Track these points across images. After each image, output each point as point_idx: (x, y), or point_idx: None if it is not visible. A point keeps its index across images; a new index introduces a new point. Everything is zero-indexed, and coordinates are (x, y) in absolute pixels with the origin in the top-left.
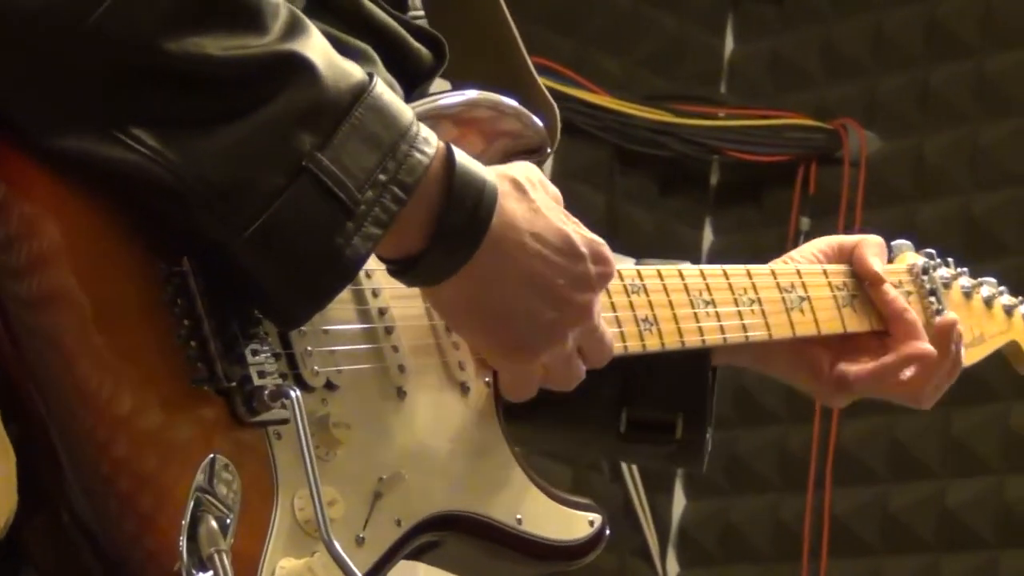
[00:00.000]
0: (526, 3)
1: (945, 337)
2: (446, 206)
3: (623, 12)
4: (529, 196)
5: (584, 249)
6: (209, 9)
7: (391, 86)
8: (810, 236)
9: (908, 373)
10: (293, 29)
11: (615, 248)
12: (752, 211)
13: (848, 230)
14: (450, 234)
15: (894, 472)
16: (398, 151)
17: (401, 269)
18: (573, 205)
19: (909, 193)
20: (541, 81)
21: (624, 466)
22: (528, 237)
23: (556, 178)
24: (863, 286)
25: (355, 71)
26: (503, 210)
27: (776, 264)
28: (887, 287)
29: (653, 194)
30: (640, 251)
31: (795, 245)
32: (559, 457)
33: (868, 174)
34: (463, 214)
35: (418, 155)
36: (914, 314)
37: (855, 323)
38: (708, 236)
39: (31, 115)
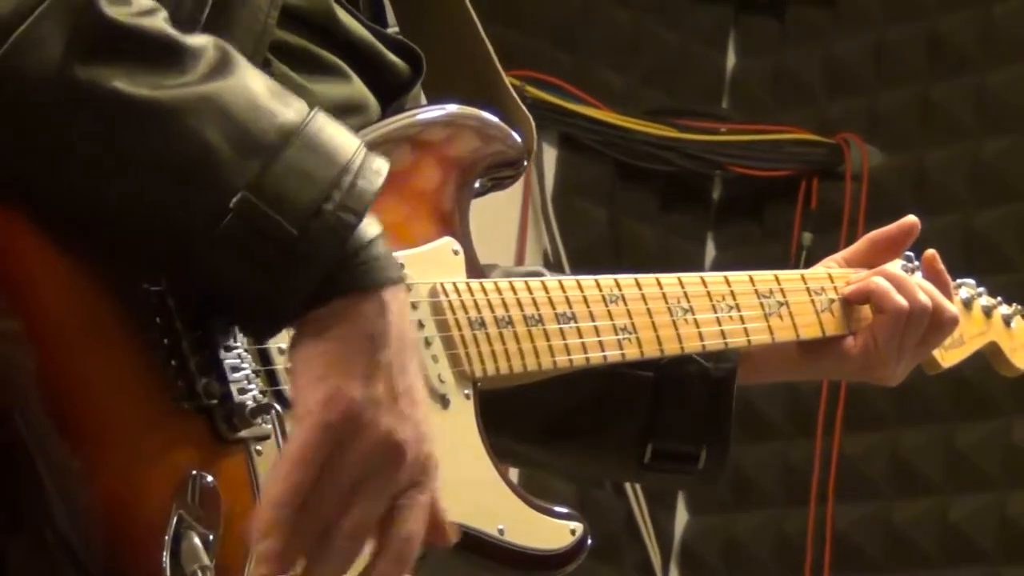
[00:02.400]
0: (528, 18)
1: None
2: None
3: (625, 27)
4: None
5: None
6: (120, 45)
7: (363, 104)
8: (812, 251)
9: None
10: (217, 70)
11: (617, 265)
12: (754, 226)
13: (850, 244)
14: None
15: (897, 487)
16: (341, 182)
17: None
18: (575, 220)
19: (910, 208)
20: (538, 93)
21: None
22: (410, 368)
23: (558, 193)
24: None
25: (286, 112)
26: (392, 311)
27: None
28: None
29: (655, 209)
30: (642, 266)
31: (797, 260)
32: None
33: (870, 189)
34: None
35: (363, 183)
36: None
37: (834, 326)
38: (710, 251)
39: None
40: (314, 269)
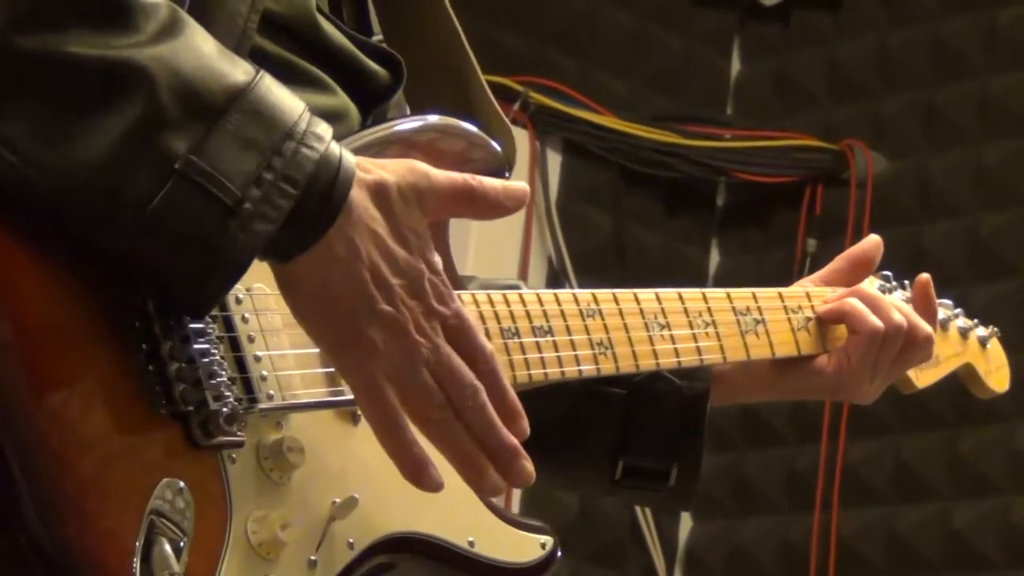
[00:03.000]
0: (531, 24)
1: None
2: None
3: (629, 33)
4: (390, 196)
5: (423, 264)
6: (70, 6)
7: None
8: (817, 257)
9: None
10: (167, 30)
11: (621, 271)
12: (758, 232)
13: None
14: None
15: (901, 493)
16: (283, 149)
17: None
18: (579, 226)
19: (915, 213)
20: (542, 99)
21: None
22: (378, 230)
23: (562, 199)
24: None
25: (233, 73)
26: (361, 199)
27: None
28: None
29: (659, 215)
30: (647, 272)
31: (802, 266)
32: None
33: (874, 195)
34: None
35: (306, 151)
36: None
37: (809, 345)
38: (715, 257)
39: None
40: (250, 238)
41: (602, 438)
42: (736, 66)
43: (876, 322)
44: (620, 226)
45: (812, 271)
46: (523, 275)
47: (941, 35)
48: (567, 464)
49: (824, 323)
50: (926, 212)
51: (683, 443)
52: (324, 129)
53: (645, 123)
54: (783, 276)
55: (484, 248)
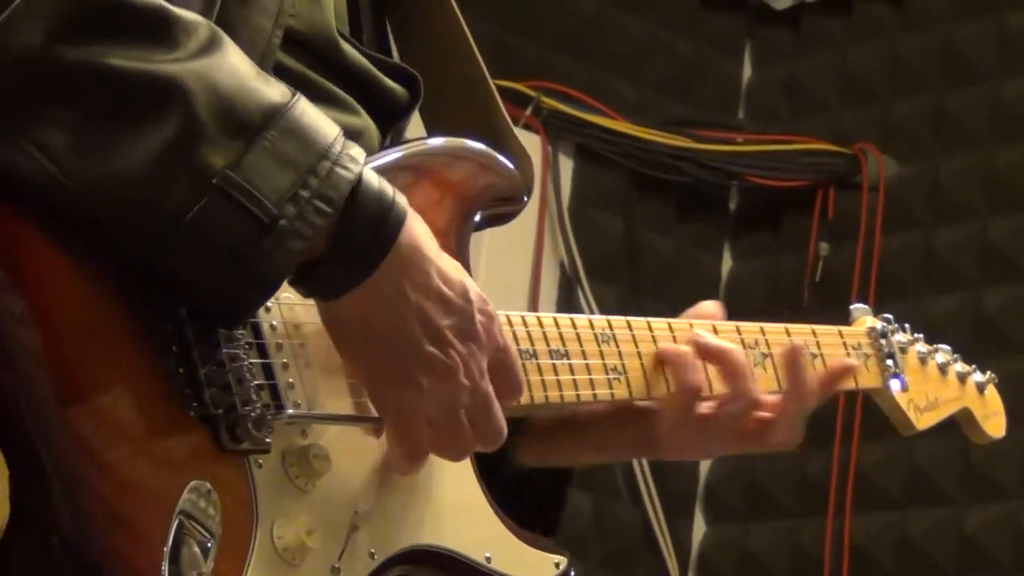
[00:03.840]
0: (542, 29)
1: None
2: (346, 216)
3: (640, 38)
4: (431, 235)
5: (474, 300)
6: (114, 20)
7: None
8: (829, 261)
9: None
10: (206, 48)
11: (634, 276)
12: (771, 236)
13: (867, 255)
14: (349, 246)
15: (913, 498)
16: (319, 168)
17: (299, 278)
18: (591, 231)
19: (927, 217)
20: (554, 104)
21: (644, 491)
22: (430, 269)
23: (574, 204)
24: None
25: (270, 93)
26: (412, 236)
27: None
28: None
29: (671, 219)
30: (659, 277)
31: (814, 270)
32: (580, 481)
33: (886, 199)
34: (364, 228)
35: (342, 171)
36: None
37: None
38: (727, 261)
39: None
40: (284, 254)
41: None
42: (747, 70)
43: (692, 380)
44: (632, 231)
45: (824, 275)
46: (535, 281)
47: (952, 39)
48: None
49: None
50: (937, 216)
51: (547, 515)
52: (357, 152)
53: (657, 127)
54: (795, 280)
55: (496, 253)
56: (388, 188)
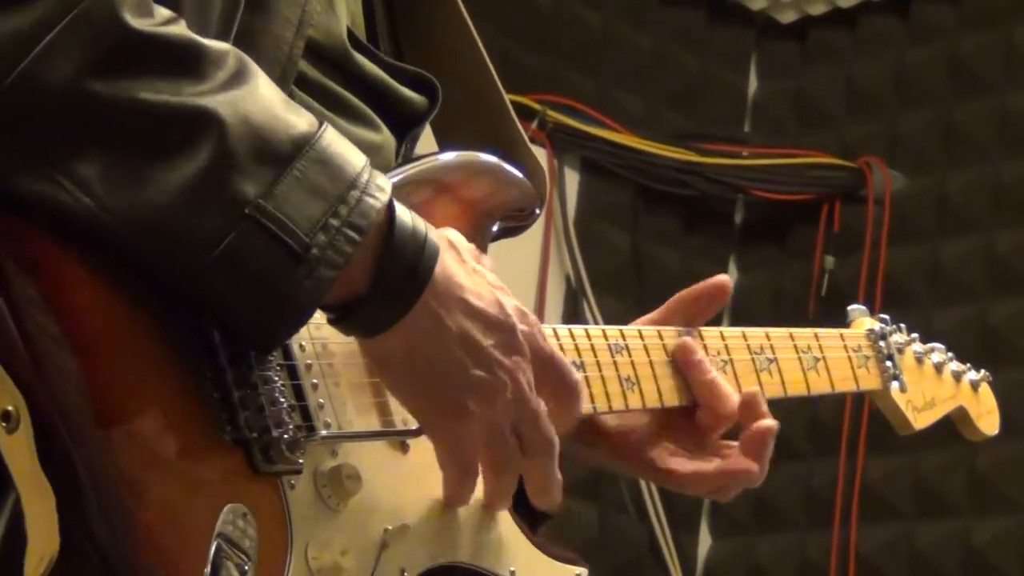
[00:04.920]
0: (549, 43)
1: (751, 410)
2: (384, 256)
3: (646, 51)
4: (463, 256)
5: (512, 313)
6: (143, 54)
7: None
8: (834, 274)
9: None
10: (235, 79)
11: (640, 289)
12: (776, 249)
13: (872, 268)
14: (388, 285)
15: (919, 509)
16: (348, 197)
17: (339, 317)
18: (597, 245)
19: (933, 230)
20: (560, 117)
21: (650, 505)
22: (466, 295)
23: (580, 218)
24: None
25: (298, 123)
26: (444, 267)
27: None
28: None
29: (677, 233)
30: (665, 290)
31: (820, 283)
32: (586, 495)
33: (892, 212)
34: (402, 266)
35: (370, 200)
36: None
37: (818, 385)
38: (733, 274)
39: None
40: (316, 283)
41: None
42: (753, 84)
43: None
44: (638, 244)
45: (830, 288)
46: (541, 294)
47: (958, 52)
48: None
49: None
50: (944, 229)
51: None
52: (384, 181)
53: (663, 141)
54: (801, 293)
55: (502, 266)
56: (420, 224)
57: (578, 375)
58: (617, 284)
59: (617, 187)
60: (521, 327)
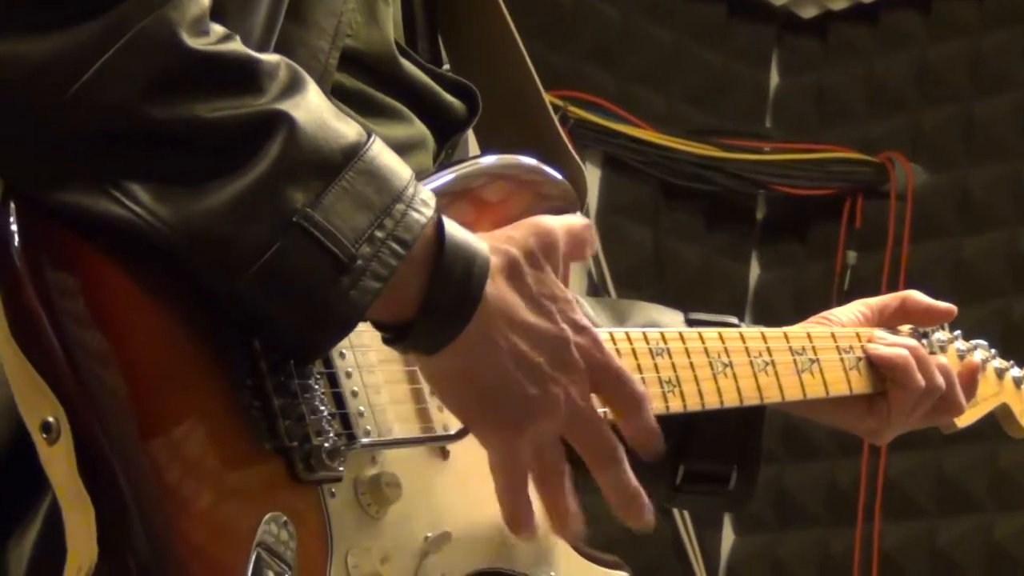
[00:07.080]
0: (571, 39)
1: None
2: (435, 277)
3: (668, 47)
4: (523, 270)
5: (567, 327)
6: (201, 75)
7: (420, 144)
8: (857, 270)
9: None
10: (288, 89)
11: (661, 285)
12: (798, 245)
13: (895, 264)
14: (439, 306)
15: (942, 506)
16: (394, 210)
17: (395, 337)
18: (619, 240)
19: (955, 226)
20: (581, 113)
21: None
22: (517, 312)
23: (602, 213)
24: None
25: (348, 133)
26: (495, 285)
27: (812, 322)
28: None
29: (699, 229)
30: (687, 286)
31: (842, 279)
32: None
33: (914, 207)
34: (452, 286)
35: (415, 214)
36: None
37: (860, 384)
38: (755, 270)
39: (26, 171)
40: (360, 294)
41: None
42: (775, 79)
43: (920, 381)
44: (660, 240)
45: (852, 284)
46: None
47: (980, 48)
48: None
49: (872, 365)
50: (966, 225)
51: (742, 445)
52: (428, 196)
53: (684, 137)
54: (823, 289)
55: None
56: (470, 239)
57: (641, 385)
58: (639, 280)
59: (639, 183)
60: (576, 339)
